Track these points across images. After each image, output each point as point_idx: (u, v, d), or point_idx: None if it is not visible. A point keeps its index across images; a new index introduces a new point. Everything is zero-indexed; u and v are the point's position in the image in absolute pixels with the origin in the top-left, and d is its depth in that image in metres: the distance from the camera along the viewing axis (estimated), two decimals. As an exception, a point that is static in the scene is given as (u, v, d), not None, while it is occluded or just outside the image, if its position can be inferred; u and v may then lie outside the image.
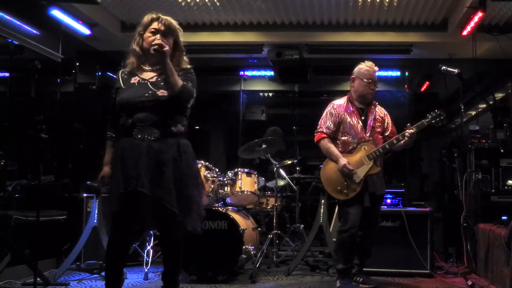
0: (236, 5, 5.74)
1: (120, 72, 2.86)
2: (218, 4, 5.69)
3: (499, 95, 7.47)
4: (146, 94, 2.69)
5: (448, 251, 5.16)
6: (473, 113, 8.51)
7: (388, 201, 4.59)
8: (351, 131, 3.78)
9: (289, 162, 5.35)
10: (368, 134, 3.78)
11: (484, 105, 7.58)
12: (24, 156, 4.99)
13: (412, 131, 3.65)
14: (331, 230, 4.81)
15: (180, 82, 2.70)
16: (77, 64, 6.21)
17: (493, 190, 4.70)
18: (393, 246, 4.31)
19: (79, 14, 5.42)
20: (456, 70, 3.79)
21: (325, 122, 3.86)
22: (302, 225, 5.17)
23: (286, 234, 5.30)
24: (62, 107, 5.69)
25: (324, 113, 3.91)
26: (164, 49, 2.67)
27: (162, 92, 2.69)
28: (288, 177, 5.15)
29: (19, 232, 3.85)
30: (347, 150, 3.77)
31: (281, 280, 4.25)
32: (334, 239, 4.52)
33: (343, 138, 3.81)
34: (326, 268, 4.60)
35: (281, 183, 5.17)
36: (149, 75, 2.81)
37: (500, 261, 3.78)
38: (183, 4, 5.64)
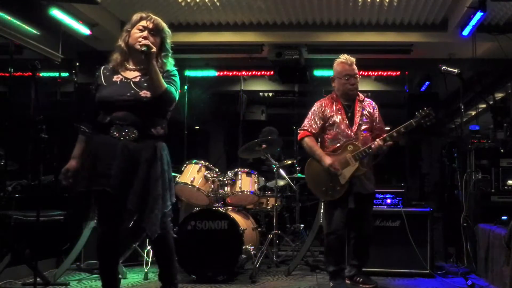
0: (236, 5, 5.74)
1: (102, 68, 2.84)
2: (218, 4, 5.69)
3: (499, 95, 7.47)
4: (128, 94, 2.67)
5: (448, 251, 5.16)
6: (473, 113, 8.52)
7: (388, 201, 4.59)
8: (337, 129, 3.67)
9: (289, 162, 5.35)
10: (354, 131, 3.66)
11: (484, 105, 7.58)
12: (24, 156, 4.99)
13: (379, 143, 3.51)
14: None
15: (164, 84, 2.67)
16: (77, 64, 6.21)
17: (493, 190, 4.70)
18: (393, 246, 4.31)
19: (79, 14, 5.43)
20: (456, 70, 3.79)
21: (310, 121, 3.75)
22: (302, 225, 5.18)
23: (286, 234, 5.31)
24: (62, 107, 5.69)
25: (310, 112, 3.80)
26: (152, 50, 2.65)
27: (145, 93, 2.67)
28: (288, 177, 5.15)
29: (19, 232, 3.85)
30: (332, 149, 3.67)
31: (281, 280, 4.25)
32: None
33: (328, 137, 3.71)
34: (326, 268, 4.60)
35: (281, 183, 5.17)
36: (132, 74, 2.78)
37: (500, 261, 3.78)
38: (183, 4, 5.64)
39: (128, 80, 2.74)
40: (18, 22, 4.72)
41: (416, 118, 3.55)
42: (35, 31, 4.95)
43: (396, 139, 3.58)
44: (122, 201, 2.57)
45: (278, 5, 5.74)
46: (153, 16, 2.81)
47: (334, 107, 3.73)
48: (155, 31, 2.78)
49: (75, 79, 6.18)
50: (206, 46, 6.40)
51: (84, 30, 5.64)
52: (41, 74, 5.11)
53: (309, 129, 3.73)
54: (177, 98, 2.78)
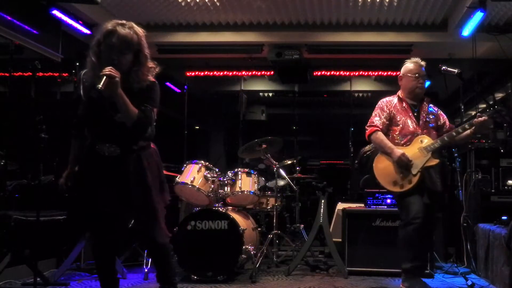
0: (236, 5, 5.74)
1: (83, 74, 2.66)
2: (218, 4, 5.69)
3: (499, 95, 7.48)
4: (104, 115, 2.59)
5: (448, 251, 5.16)
6: (473, 113, 8.50)
7: (388, 201, 4.59)
8: (404, 127, 3.68)
9: (289, 162, 5.35)
10: (421, 128, 3.68)
11: (484, 105, 7.58)
12: (24, 156, 4.98)
13: (482, 118, 3.50)
14: (331, 230, 4.81)
15: (134, 114, 2.53)
16: (77, 64, 6.21)
17: (493, 190, 4.70)
18: (393, 246, 4.30)
19: (79, 14, 5.43)
20: (456, 70, 3.77)
21: (376, 117, 3.76)
22: (302, 225, 5.18)
23: (286, 234, 5.31)
24: (62, 107, 5.69)
25: (375, 109, 3.82)
26: (116, 78, 2.42)
27: (119, 118, 2.56)
28: (288, 177, 5.15)
29: (19, 232, 3.84)
30: (401, 143, 3.65)
31: (281, 280, 4.25)
32: (334, 239, 4.53)
33: (396, 133, 3.70)
34: (326, 268, 4.61)
35: (281, 183, 5.17)
36: None
37: (500, 261, 3.78)
38: (183, 4, 5.64)
39: (104, 99, 2.54)
40: (18, 22, 4.72)
41: (487, 113, 3.58)
42: (35, 31, 4.94)
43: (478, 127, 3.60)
44: (119, 216, 2.64)
45: (278, 5, 5.74)
46: (120, 31, 2.52)
47: (400, 106, 3.78)
48: (124, 47, 2.53)
49: (75, 79, 6.18)
50: (206, 46, 6.41)
51: (84, 30, 5.64)
52: (41, 74, 5.09)
53: (377, 124, 3.73)
54: (153, 120, 2.66)
